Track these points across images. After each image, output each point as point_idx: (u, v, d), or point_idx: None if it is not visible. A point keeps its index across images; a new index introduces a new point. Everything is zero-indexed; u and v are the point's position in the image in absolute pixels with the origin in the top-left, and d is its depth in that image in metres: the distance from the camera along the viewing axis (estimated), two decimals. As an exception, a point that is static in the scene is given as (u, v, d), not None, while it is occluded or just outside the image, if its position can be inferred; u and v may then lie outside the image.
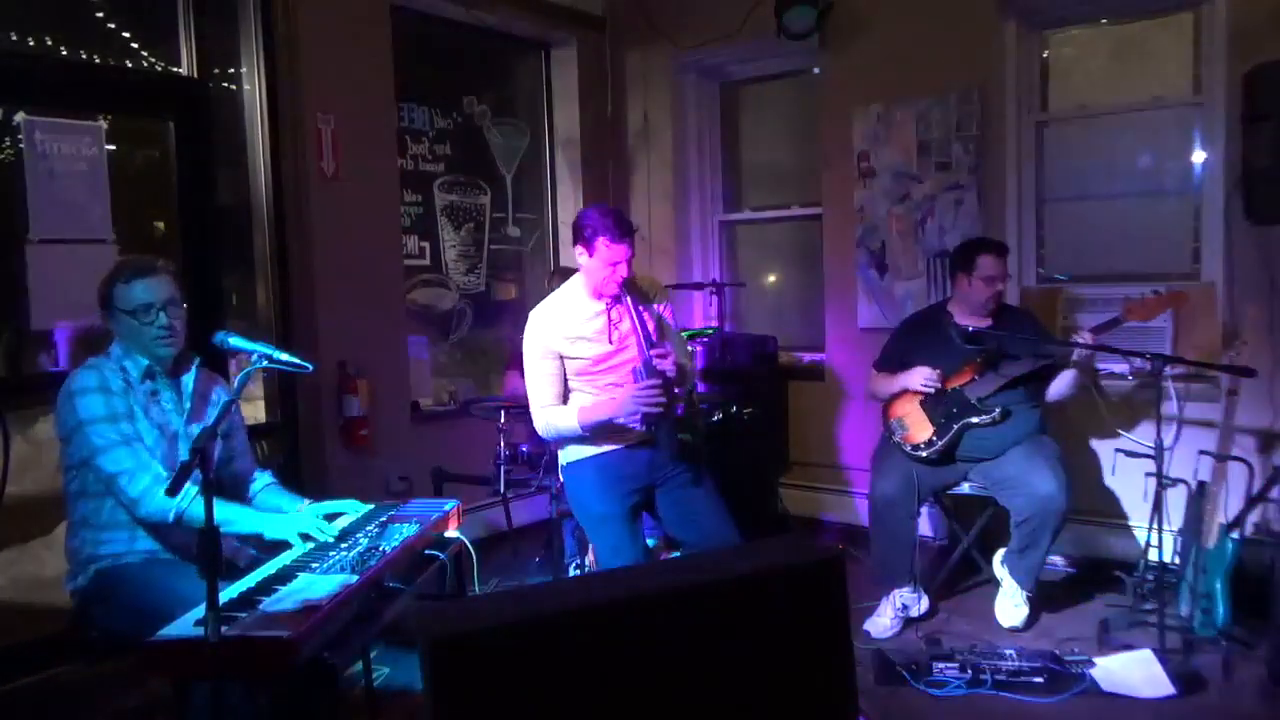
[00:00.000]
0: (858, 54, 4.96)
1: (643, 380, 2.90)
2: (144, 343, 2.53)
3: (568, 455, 3.20)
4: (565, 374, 3.09)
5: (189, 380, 2.67)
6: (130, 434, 2.45)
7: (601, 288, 3.02)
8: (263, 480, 2.89)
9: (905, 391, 3.80)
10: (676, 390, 3.02)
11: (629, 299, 2.98)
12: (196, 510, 2.38)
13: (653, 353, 2.92)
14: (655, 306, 3.17)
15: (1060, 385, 3.73)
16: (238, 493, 2.80)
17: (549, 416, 3.09)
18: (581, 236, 2.98)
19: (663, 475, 3.13)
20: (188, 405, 2.64)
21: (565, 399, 3.12)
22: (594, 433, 3.06)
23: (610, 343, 3.05)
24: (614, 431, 3.05)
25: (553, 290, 3.30)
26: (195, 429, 2.59)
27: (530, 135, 5.81)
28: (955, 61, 4.64)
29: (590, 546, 3.94)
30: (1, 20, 3.60)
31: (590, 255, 2.97)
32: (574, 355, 3.06)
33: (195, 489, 2.43)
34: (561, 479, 3.37)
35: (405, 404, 4.81)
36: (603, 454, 3.11)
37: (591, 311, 3.07)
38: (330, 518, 2.71)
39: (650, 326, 3.04)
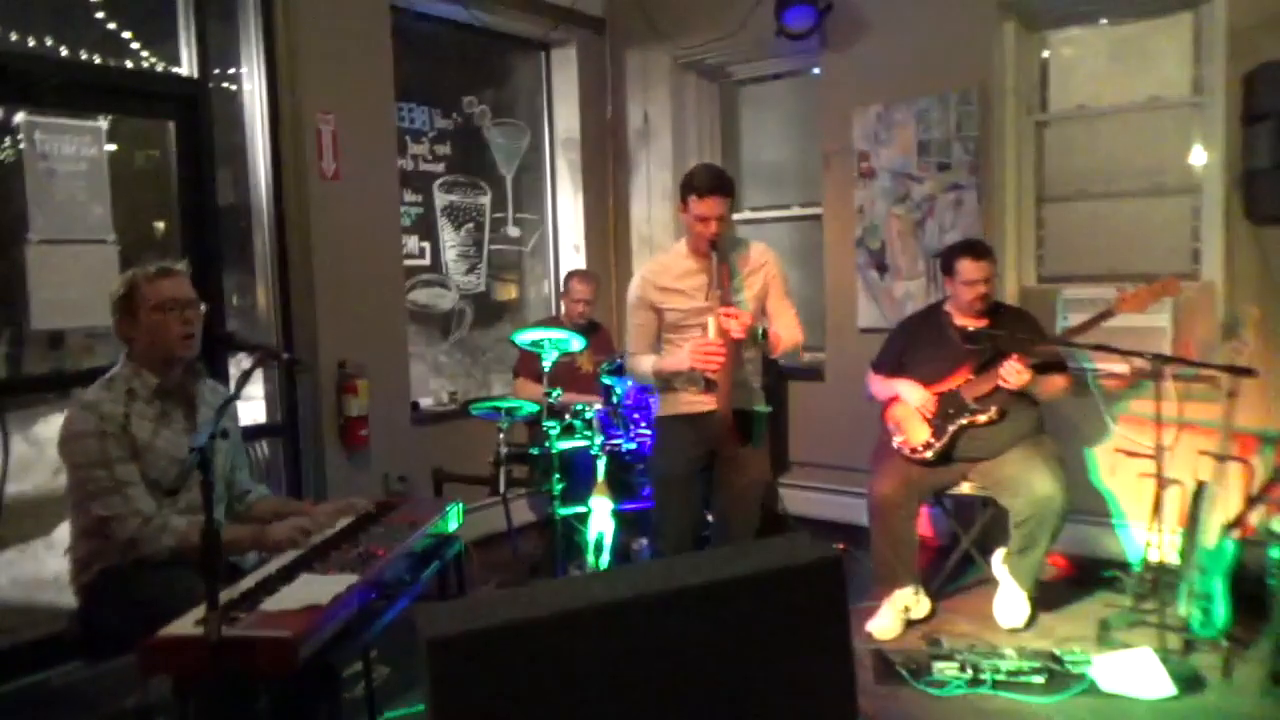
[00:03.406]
0: (858, 54, 4.96)
1: (707, 338, 3.05)
2: (166, 341, 2.53)
3: (656, 410, 3.42)
4: (658, 326, 3.28)
5: (198, 394, 2.66)
6: (123, 477, 2.43)
7: (695, 243, 3.19)
8: (259, 492, 2.89)
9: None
10: (776, 358, 3.27)
11: (715, 258, 3.09)
12: (191, 539, 2.40)
13: (721, 311, 3.02)
14: (758, 273, 3.27)
15: (1049, 389, 3.73)
16: (234, 505, 2.80)
17: (634, 363, 3.34)
18: (680, 194, 3.19)
19: (725, 445, 3.20)
20: (200, 419, 2.63)
21: (657, 349, 3.32)
22: (665, 382, 3.27)
23: (706, 301, 3.16)
24: (685, 387, 3.22)
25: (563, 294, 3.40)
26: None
27: (530, 135, 5.81)
28: (955, 61, 4.64)
29: (591, 545, 3.96)
30: (1, 20, 3.60)
31: (684, 211, 3.16)
32: (667, 307, 3.24)
33: (184, 520, 2.45)
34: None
35: (405, 404, 4.81)
36: (677, 415, 3.28)
37: (690, 268, 3.23)
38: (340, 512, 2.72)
39: (736, 293, 3.15)
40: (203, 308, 2.62)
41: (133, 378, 2.54)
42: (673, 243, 5.66)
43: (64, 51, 3.80)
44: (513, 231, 5.76)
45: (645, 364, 3.29)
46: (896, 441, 3.79)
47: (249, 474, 2.93)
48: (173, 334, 2.53)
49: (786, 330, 3.25)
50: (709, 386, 3.11)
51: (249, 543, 2.57)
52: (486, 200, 5.56)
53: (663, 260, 3.34)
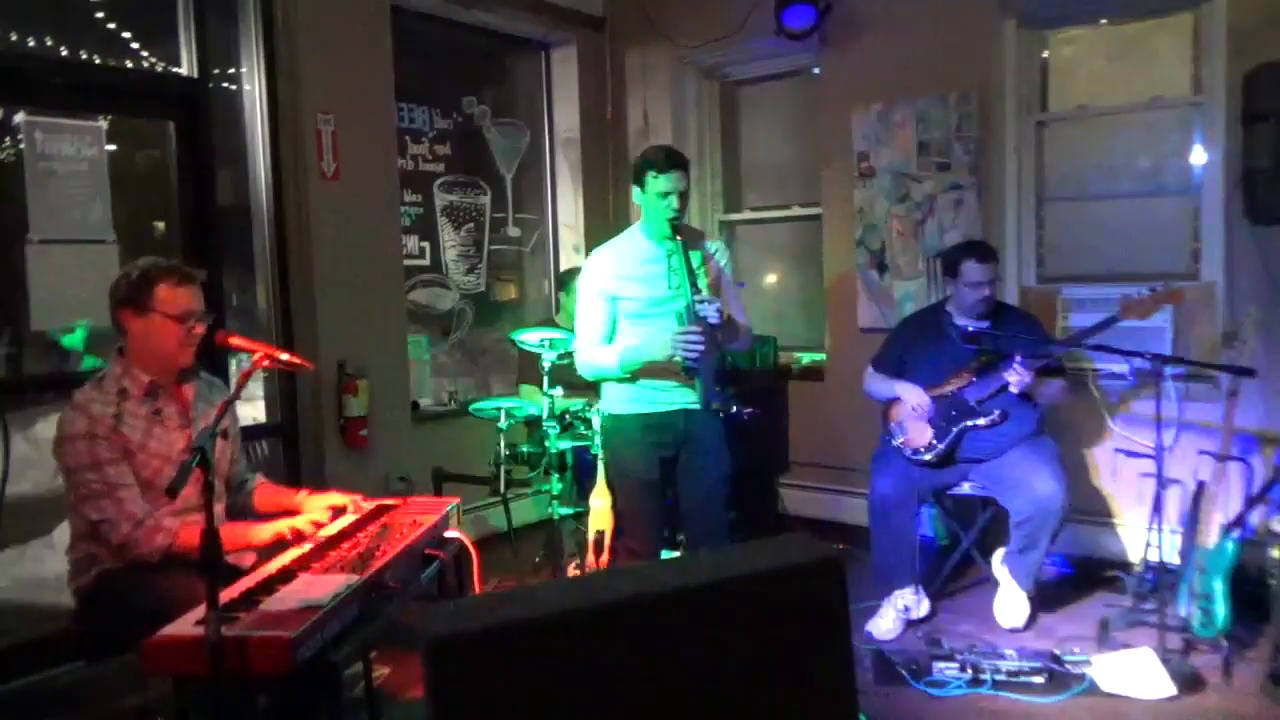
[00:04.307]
0: (858, 54, 4.96)
1: (685, 324, 2.94)
2: (169, 349, 2.52)
3: (609, 406, 3.22)
4: (615, 316, 3.13)
5: (190, 392, 2.66)
6: (115, 480, 2.42)
7: (656, 224, 3.06)
8: (254, 482, 2.90)
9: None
10: (732, 344, 3.13)
11: (681, 241, 3.00)
12: (186, 540, 2.40)
13: (697, 299, 2.94)
14: (711, 261, 3.18)
15: (1048, 391, 3.73)
16: (230, 497, 2.80)
17: (591, 355, 3.15)
18: (634, 174, 3.08)
19: (693, 436, 3.15)
20: (194, 415, 2.63)
21: (611, 340, 3.16)
22: (632, 374, 3.10)
23: (669, 288, 3.06)
24: (654, 376, 3.08)
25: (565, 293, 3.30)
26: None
27: (530, 135, 5.81)
28: (955, 61, 4.64)
29: (591, 544, 3.95)
30: (1, 20, 3.60)
31: (643, 190, 3.05)
32: (626, 296, 3.10)
33: (176, 521, 2.45)
34: (597, 426, 3.51)
35: (405, 404, 4.82)
36: (639, 414, 3.14)
37: (648, 253, 3.11)
38: (335, 510, 2.72)
39: (702, 276, 3.05)
40: (209, 319, 2.61)
41: (124, 376, 2.53)
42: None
43: (64, 51, 3.80)
44: (513, 231, 5.76)
45: (607, 355, 3.11)
46: (899, 440, 3.79)
47: (244, 464, 2.93)
48: (179, 344, 2.53)
49: (741, 314, 3.20)
50: (689, 375, 2.98)
51: (241, 542, 2.57)
52: (486, 200, 5.56)
53: (618, 247, 3.18)
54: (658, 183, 3.00)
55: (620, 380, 3.15)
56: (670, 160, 3.02)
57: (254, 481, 2.89)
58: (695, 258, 3.09)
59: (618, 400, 3.19)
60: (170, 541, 2.42)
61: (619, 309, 3.13)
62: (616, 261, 3.12)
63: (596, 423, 3.98)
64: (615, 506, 3.41)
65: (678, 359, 2.92)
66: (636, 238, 3.17)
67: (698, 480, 3.20)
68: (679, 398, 3.12)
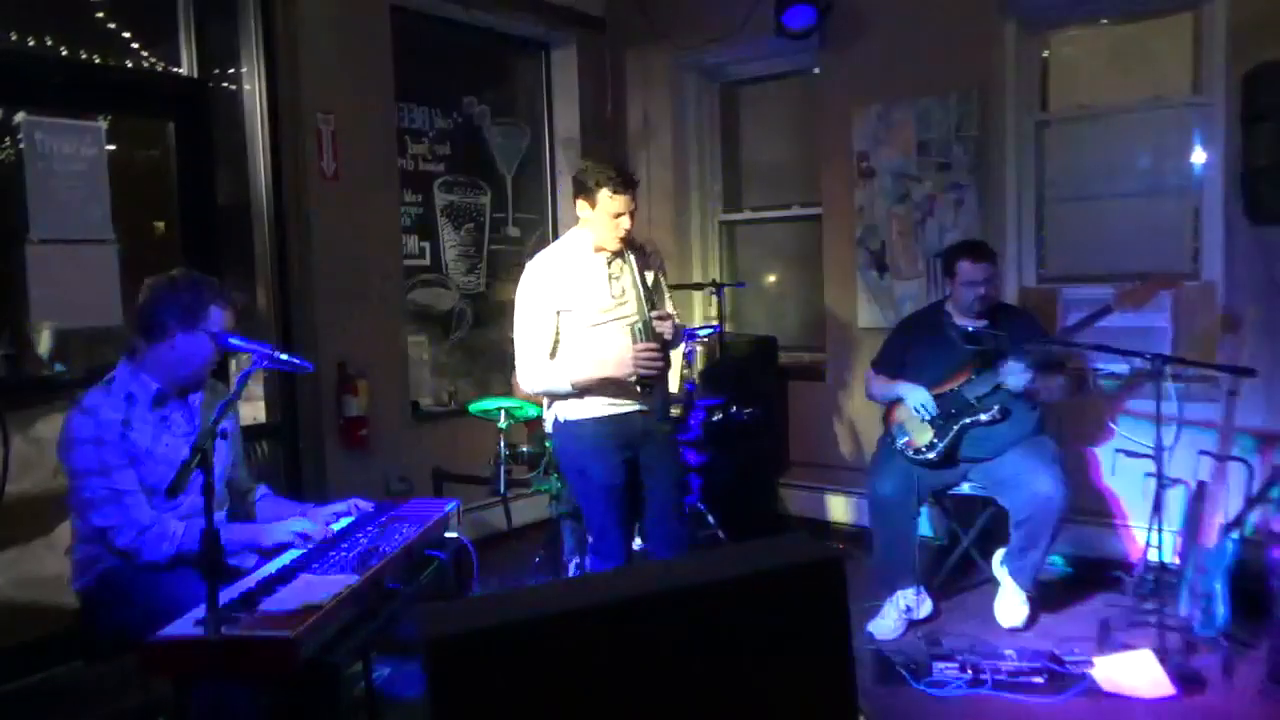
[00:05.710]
0: (858, 54, 4.96)
1: (640, 341, 2.90)
2: (200, 369, 2.55)
3: (562, 413, 3.11)
4: (558, 330, 3.04)
5: (197, 398, 2.66)
6: (121, 486, 2.42)
7: (604, 241, 3.00)
8: (260, 492, 2.89)
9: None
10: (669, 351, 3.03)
11: (631, 256, 2.95)
12: (189, 543, 2.41)
13: (653, 314, 2.91)
14: (655, 268, 3.16)
15: (1050, 389, 3.73)
16: (234, 504, 2.79)
17: (539, 374, 3.04)
18: (584, 188, 2.97)
19: (652, 437, 3.11)
20: (198, 424, 2.63)
21: (554, 355, 3.07)
22: (585, 391, 3.02)
23: (611, 297, 3.01)
24: (608, 393, 3.01)
25: None
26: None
27: (530, 135, 5.81)
28: (955, 61, 4.64)
29: (590, 544, 3.95)
30: (1, 20, 3.60)
31: (593, 207, 2.96)
32: (572, 309, 3.01)
33: (181, 525, 2.46)
34: (551, 434, 3.29)
35: (405, 404, 4.81)
36: (600, 417, 3.05)
37: (592, 265, 3.03)
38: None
39: (649, 287, 3.02)
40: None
41: (132, 381, 2.52)
42: (668, 242, 5.70)
43: (64, 51, 3.80)
44: (513, 231, 5.76)
45: (559, 374, 3.00)
46: (901, 442, 3.79)
47: (247, 471, 2.93)
48: (207, 363, 2.56)
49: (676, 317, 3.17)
50: (646, 392, 2.93)
51: (248, 543, 2.57)
52: (486, 200, 5.56)
53: (558, 258, 3.07)
54: (613, 203, 2.93)
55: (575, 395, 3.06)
56: (626, 181, 2.95)
57: (257, 492, 2.89)
58: (648, 277, 3.05)
59: (574, 404, 3.07)
60: (174, 548, 2.42)
61: (561, 321, 3.03)
62: (561, 273, 3.02)
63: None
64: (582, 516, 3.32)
65: (635, 377, 2.90)
66: (576, 249, 3.07)
67: (660, 481, 3.15)
68: (636, 402, 3.06)
